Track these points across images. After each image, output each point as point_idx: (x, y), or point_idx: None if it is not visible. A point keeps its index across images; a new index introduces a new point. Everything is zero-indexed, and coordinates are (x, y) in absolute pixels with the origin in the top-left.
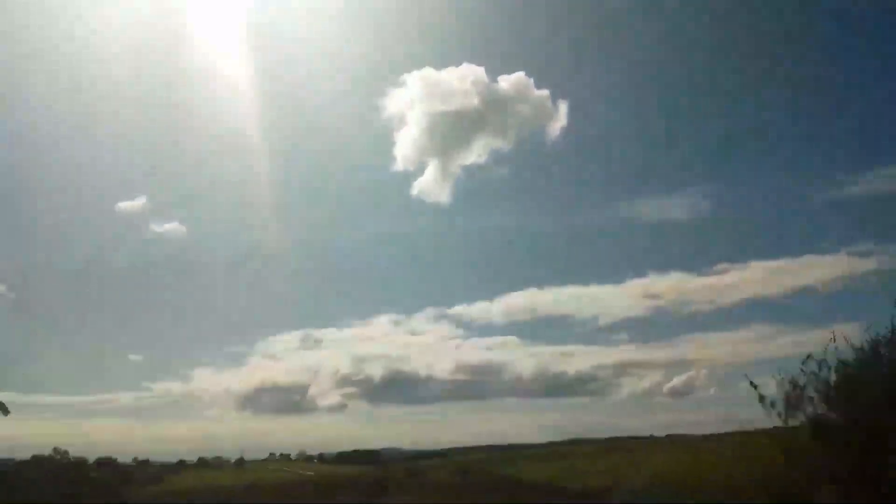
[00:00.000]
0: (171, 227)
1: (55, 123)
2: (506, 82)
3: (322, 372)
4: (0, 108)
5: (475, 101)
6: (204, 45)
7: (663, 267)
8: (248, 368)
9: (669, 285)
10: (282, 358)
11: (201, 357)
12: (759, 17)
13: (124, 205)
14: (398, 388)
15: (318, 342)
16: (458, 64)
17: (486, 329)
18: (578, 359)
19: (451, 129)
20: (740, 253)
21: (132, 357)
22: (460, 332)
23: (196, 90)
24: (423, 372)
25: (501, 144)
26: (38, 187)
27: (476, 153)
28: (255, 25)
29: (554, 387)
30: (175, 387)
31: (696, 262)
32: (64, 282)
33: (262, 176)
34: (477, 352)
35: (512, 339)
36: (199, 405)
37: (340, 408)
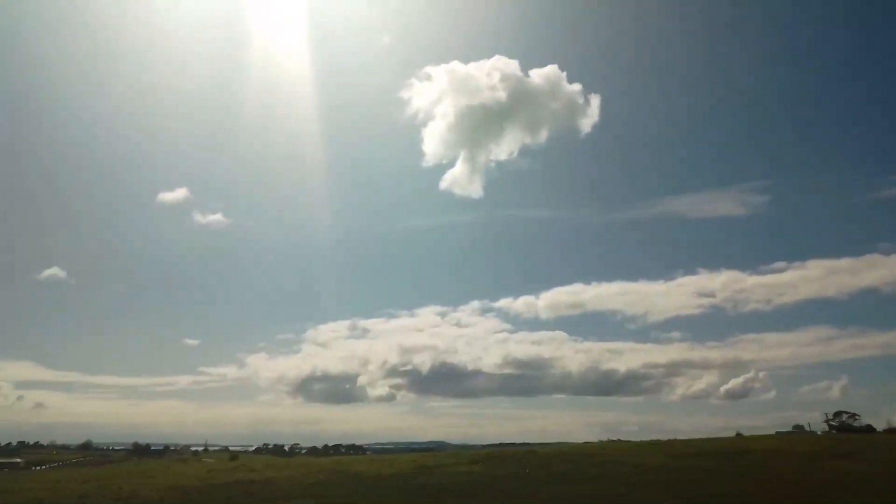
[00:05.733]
0: (215, 218)
1: (104, 116)
2: (537, 76)
3: (371, 362)
4: (52, 104)
5: (504, 95)
6: (248, 42)
7: (715, 264)
8: (300, 356)
9: (723, 283)
10: (331, 347)
11: (255, 343)
12: (813, 8)
13: (165, 196)
14: (446, 380)
15: (365, 332)
16: (489, 56)
17: (532, 323)
18: (629, 356)
19: (480, 124)
20: (798, 251)
21: (188, 342)
22: (507, 325)
23: (236, 87)
24: (470, 365)
25: (533, 139)
26: (87, 178)
27: (506, 148)
28: (291, 26)
29: (604, 384)
30: (231, 371)
31: (751, 259)
32: (116, 269)
33: (299, 170)
34: (524, 346)
35: (560, 333)
36: (255, 390)
37: (389, 398)
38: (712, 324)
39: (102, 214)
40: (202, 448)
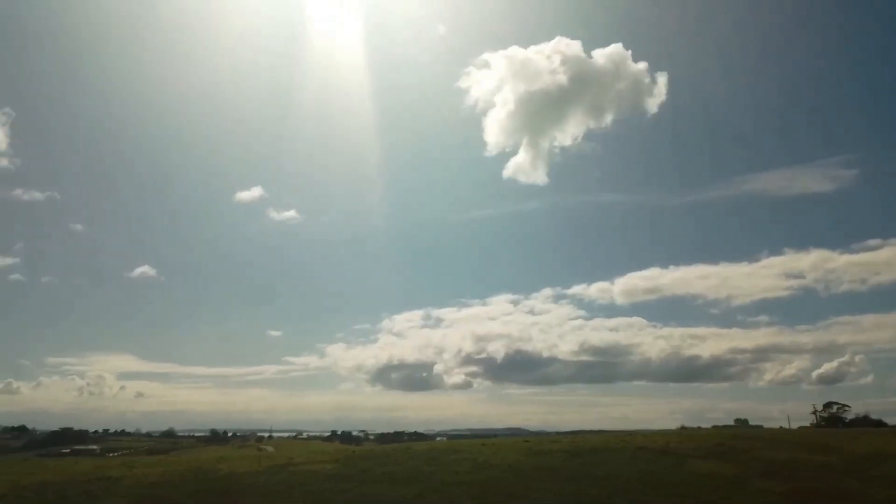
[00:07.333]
0: (289, 214)
1: (182, 121)
2: (601, 56)
3: (445, 350)
4: (132, 111)
5: (565, 78)
6: (307, 42)
7: (802, 244)
8: (377, 345)
9: (812, 263)
10: (406, 336)
11: (333, 333)
12: None
13: (242, 195)
14: (521, 367)
15: (439, 321)
16: (549, 38)
17: (608, 309)
18: (712, 342)
19: (542, 110)
20: (894, 227)
21: (272, 333)
22: (582, 312)
23: (297, 86)
24: (545, 352)
25: (597, 122)
26: (171, 180)
27: (571, 133)
28: (347, 24)
29: (686, 371)
30: (312, 361)
31: (842, 237)
32: (201, 266)
33: (365, 165)
34: (601, 333)
35: (638, 319)
36: (336, 379)
37: (466, 386)
38: (802, 306)
39: (186, 214)
40: (267, 435)
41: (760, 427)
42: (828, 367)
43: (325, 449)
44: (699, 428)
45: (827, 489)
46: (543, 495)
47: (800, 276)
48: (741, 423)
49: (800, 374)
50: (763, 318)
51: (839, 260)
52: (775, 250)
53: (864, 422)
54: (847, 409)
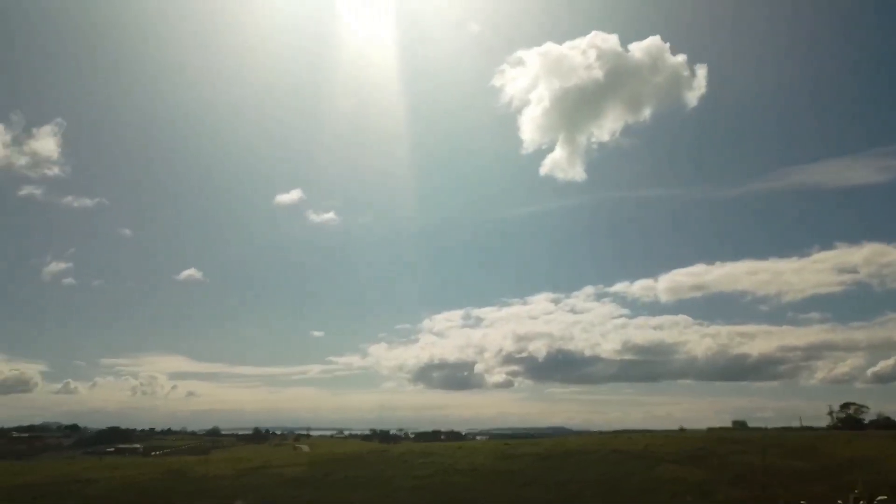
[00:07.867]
0: (328, 217)
1: (226, 125)
2: (638, 50)
3: (486, 350)
4: (174, 119)
5: (601, 74)
6: (340, 43)
7: (855, 237)
8: (418, 345)
9: (865, 257)
10: (447, 335)
11: (375, 333)
12: None
13: (282, 198)
14: (563, 367)
15: (479, 320)
16: (585, 33)
17: (652, 307)
18: (762, 340)
19: (578, 106)
20: None
21: (315, 333)
22: (625, 310)
23: (331, 88)
24: (588, 351)
25: (635, 117)
26: (214, 185)
27: (608, 128)
28: (379, 26)
29: (734, 369)
30: (355, 360)
31: None
32: (245, 268)
33: (400, 166)
34: (645, 331)
35: (683, 317)
36: (378, 378)
37: (507, 385)
38: (856, 302)
39: (229, 217)
40: (305, 433)
41: (759, 429)
42: (884, 364)
43: (319, 449)
44: (716, 427)
45: (791, 496)
46: (495, 499)
47: (853, 270)
48: (739, 424)
49: (853, 371)
50: (815, 314)
51: (894, 254)
52: (826, 244)
53: (885, 424)
54: (865, 409)
